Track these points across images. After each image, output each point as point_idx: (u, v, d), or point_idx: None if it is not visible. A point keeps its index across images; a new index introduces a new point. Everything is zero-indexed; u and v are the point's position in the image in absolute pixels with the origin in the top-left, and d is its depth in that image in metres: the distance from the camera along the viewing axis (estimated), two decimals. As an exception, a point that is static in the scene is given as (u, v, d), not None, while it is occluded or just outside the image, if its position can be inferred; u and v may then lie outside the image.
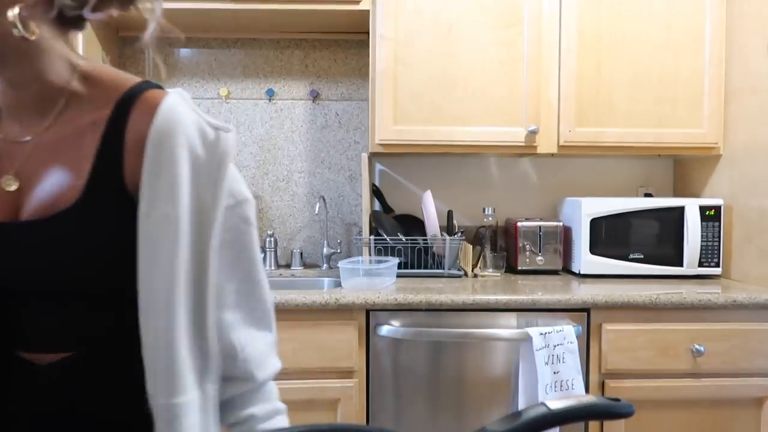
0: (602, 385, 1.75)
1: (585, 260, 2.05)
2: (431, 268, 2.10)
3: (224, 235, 0.72)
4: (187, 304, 0.68)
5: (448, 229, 2.16)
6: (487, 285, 1.92)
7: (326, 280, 2.24)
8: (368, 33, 2.07)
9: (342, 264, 1.89)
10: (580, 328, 1.72)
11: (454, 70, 2.02)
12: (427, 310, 1.72)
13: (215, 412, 0.72)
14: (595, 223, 2.05)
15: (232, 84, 2.37)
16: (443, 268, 2.08)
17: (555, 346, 1.67)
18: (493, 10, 2.02)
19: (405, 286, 1.85)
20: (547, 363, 1.66)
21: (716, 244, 2.03)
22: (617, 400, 0.57)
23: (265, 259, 2.29)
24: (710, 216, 2.02)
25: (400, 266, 2.04)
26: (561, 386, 1.67)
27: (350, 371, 1.73)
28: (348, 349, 1.71)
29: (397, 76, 2.01)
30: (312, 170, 2.41)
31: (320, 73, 2.39)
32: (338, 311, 1.71)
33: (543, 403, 0.56)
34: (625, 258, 2.04)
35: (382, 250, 2.10)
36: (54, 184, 0.68)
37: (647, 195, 2.39)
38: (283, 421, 0.79)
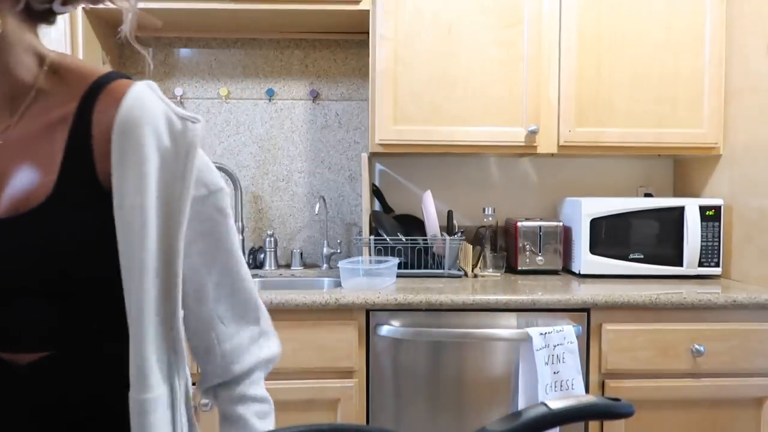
0: (602, 385, 1.75)
1: (585, 260, 2.05)
2: (431, 268, 2.10)
3: (198, 226, 0.72)
4: (156, 298, 0.67)
5: (448, 229, 2.16)
6: (487, 285, 1.92)
7: (326, 280, 2.24)
8: (368, 33, 2.07)
9: (342, 264, 1.89)
10: (580, 328, 1.72)
11: (454, 70, 2.02)
12: (427, 310, 1.72)
13: (185, 406, 0.72)
14: (595, 223, 2.05)
15: (232, 84, 2.37)
16: (443, 268, 2.08)
17: (555, 346, 1.67)
18: (493, 10, 2.02)
19: (405, 286, 1.85)
20: (547, 363, 1.66)
21: (716, 244, 2.03)
22: (617, 400, 0.57)
23: (265, 259, 2.29)
24: (710, 216, 2.02)
25: (400, 266, 2.04)
26: (561, 386, 1.67)
27: (350, 371, 1.73)
28: (348, 349, 1.71)
29: (397, 76, 2.01)
30: (312, 170, 2.41)
31: (320, 73, 2.39)
32: (338, 311, 1.71)
33: (543, 403, 0.56)
34: (625, 258, 2.04)
35: (382, 250, 2.10)
36: (26, 181, 0.67)
37: (647, 195, 2.39)
38: (249, 409, 0.77)
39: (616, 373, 1.74)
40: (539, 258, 2.13)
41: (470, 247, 2.11)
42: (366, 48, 2.27)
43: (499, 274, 2.11)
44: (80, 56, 1.98)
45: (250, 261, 2.31)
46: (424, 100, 2.02)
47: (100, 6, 0.74)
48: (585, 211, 2.05)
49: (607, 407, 0.56)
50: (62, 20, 1.91)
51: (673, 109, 2.06)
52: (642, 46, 2.04)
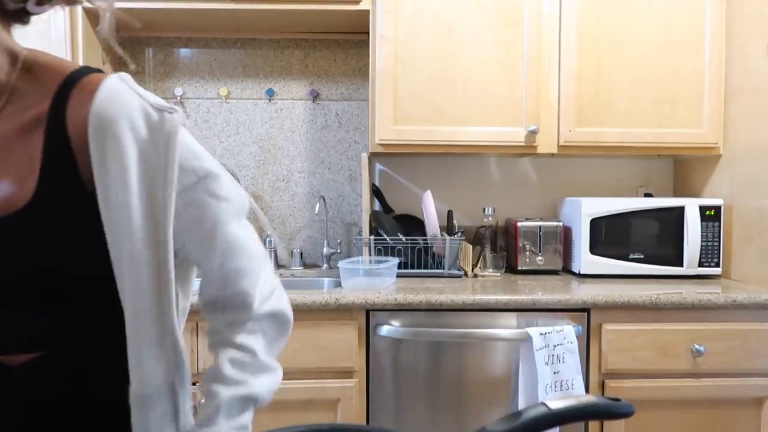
0: (602, 385, 1.75)
1: (585, 260, 2.05)
2: (431, 268, 2.10)
3: (194, 213, 0.71)
4: (150, 293, 0.67)
5: (448, 229, 2.16)
6: (487, 285, 1.92)
7: (326, 280, 2.23)
8: (368, 33, 2.07)
9: (342, 264, 1.89)
10: (580, 328, 1.72)
11: (454, 70, 2.02)
12: (427, 310, 1.72)
13: (184, 404, 0.72)
14: (595, 223, 2.05)
15: (232, 84, 2.37)
16: (443, 268, 2.08)
17: (555, 346, 1.67)
18: (493, 10, 2.02)
19: (405, 286, 1.85)
20: (547, 363, 1.65)
21: (716, 244, 2.03)
22: (617, 400, 0.57)
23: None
24: (710, 216, 2.02)
25: (400, 266, 2.04)
26: (561, 386, 1.67)
27: (350, 371, 1.73)
28: (348, 349, 1.71)
29: (397, 76, 2.01)
30: (312, 170, 2.41)
31: (320, 73, 2.39)
32: (338, 311, 1.71)
33: (543, 403, 0.56)
34: (625, 258, 2.04)
35: (382, 250, 2.10)
36: (6, 185, 0.67)
37: (647, 195, 2.39)
38: (226, 354, 0.73)
39: (616, 373, 1.74)
40: (539, 258, 2.13)
41: (470, 247, 2.11)
42: (366, 48, 2.27)
43: (499, 274, 2.11)
44: (80, 56, 1.98)
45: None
46: (424, 100, 2.02)
47: (77, 6, 0.72)
48: (585, 211, 2.05)
49: (607, 407, 0.56)
50: (62, 20, 1.91)
51: (673, 109, 2.06)
52: (642, 46, 2.04)
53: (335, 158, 2.41)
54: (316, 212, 2.24)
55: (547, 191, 2.42)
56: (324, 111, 2.40)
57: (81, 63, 1.67)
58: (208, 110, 2.37)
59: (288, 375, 1.70)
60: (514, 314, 1.73)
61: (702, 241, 2.02)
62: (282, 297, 0.79)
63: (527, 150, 2.06)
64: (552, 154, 2.13)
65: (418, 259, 2.09)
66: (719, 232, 2.02)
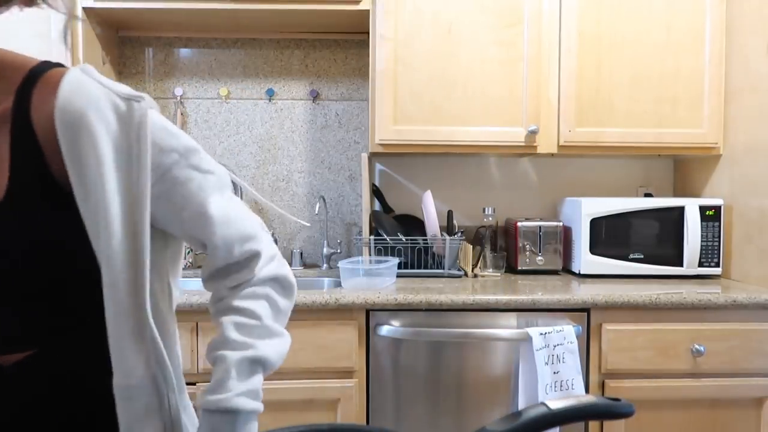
0: (602, 385, 1.75)
1: (585, 260, 2.05)
2: (431, 268, 2.10)
3: (181, 190, 0.70)
4: (127, 286, 0.66)
5: (448, 229, 2.16)
6: (487, 285, 1.92)
7: (326, 280, 2.23)
8: (368, 33, 2.07)
9: (342, 264, 1.89)
10: (580, 328, 1.72)
11: (454, 70, 2.02)
12: (427, 310, 1.72)
13: (174, 394, 0.72)
14: (595, 223, 2.05)
15: (232, 84, 2.37)
16: (443, 268, 2.08)
17: (555, 346, 1.67)
18: (493, 10, 2.02)
19: (405, 286, 1.85)
20: (547, 363, 1.66)
21: (716, 244, 2.03)
22: (617, 400, 0.57)
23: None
24: (710, 216, 2.02)
25: (400, 266, 2.04)
26: (561, 386, 1.67)
27: (350, 371, 1.73)
28: (348, 349, 1.71)
29: (397, 76, 2.01)
30: (312, 170, 2.41)
31: (320, 73, 2.39)
32: (338, 311, 1.71)
33: (543, 403, 0.56)
34: (625, 258, 2.04)
35: (382, 250, 2.10)
36: None
37: (647, 195, 2.39)
38: (230, 319, 0.73)
39: (616, 373, 1.74)
40: (539, 258, 2.13)
41: (470, 247, 2.11)
42: (366, 48, 2.27)
43: (499, 274, 2.11)
44: (80, 56, 1.98)
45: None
46: (424, 100, 2.02)
47: (34, 7, 0.71)
48: (585, 211, 2.05)
49: (607, 407, 0.56)
50: (62, 20, 1.90)
51: (673, 109, 2.06)
52: (642, 46, 2.04)
53: (335, 158, 2.41)
54: (316, 212, 2.24)
55: (547, 191, 2.42)
56: (324, 111, 2.40)
57: (81, 63, 1.66)
58: (208, 110, 2.37)
59: (288, 375, 1.71)
60: (514, 314, 1.73)
61: (702, 241, 2.02)
62: (283, 263, 0.79)
63: (527, 150, 2.06)
64: (552, 154, 2.13)
65: (418, 259, 2.09)
66: (719, 232, 2.02)
